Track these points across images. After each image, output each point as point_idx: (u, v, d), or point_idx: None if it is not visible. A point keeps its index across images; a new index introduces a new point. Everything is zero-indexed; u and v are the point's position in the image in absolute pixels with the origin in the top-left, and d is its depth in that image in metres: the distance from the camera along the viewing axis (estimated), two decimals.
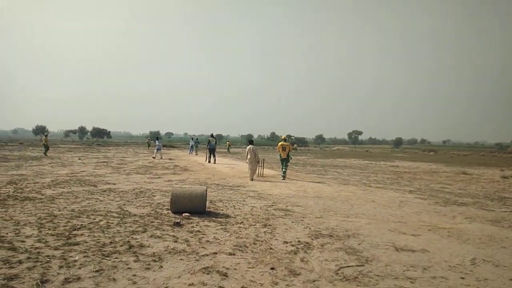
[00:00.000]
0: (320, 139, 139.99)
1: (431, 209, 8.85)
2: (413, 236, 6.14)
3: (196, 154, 33.26)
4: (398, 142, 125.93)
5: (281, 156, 15.06)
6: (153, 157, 25.65)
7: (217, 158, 23.57)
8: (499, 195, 11.70)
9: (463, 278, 4.31)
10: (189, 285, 3.84)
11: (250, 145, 14.68)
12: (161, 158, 25.64)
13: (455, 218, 7.80)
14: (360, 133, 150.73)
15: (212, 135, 23.31)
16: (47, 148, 26.37)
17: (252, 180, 13.91)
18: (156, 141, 26.47)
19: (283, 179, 14.35)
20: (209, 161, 22.11)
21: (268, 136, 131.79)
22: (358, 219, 7.34)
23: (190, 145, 35.58)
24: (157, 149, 26.11)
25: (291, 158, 15.40)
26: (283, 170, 14.75)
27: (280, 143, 15.26)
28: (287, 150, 14.93)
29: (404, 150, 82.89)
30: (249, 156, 14.27)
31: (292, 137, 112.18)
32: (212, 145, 22.09)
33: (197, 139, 37.29)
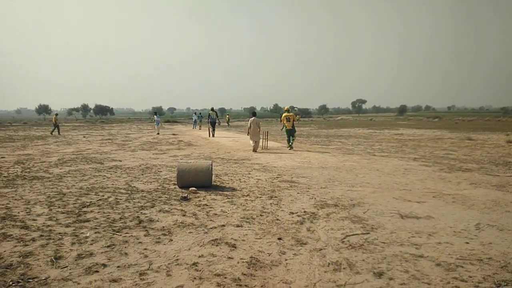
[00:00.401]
0: (323, 110, 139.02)
1: (435, 176, 8.89)
2: (418, 203, 6.20)
3: (200, 129, 33.28)
4: (402, 110, 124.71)
5: (286, 127, 15.32)
6: (157, 133, 25.98)
7: (216, 132, 23.72)
8: (504, 160, 11.69)
9: (467, 243, 4.37)
10: (199, 256, 3.94)
11: (253, 117, 14.80)
12: (159, 133, 26.33)
13: (459, 184, 7.84)
14: (364, 102, 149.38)
15: (212, 109, 23.50)
16: (56, 127, 26.46)
17: (255, 152, 14.17)
18: (155, 116, 27.59)
19: (290, 149, 14.74)
20: (213, 135, 22.43)
21: (271, 108, 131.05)
22: (363, 188, 7.40)
23: (193, 120, 35.58)
24: (156, 124, 27.09)
25: (295, 130, 15.62)
26: (292, 139, 15.14)
27: (284, 114, 15.50)
28: (292, 120, 15.20)
29: (409, 117, 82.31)
30: (251, 129, 14.45)
31: (295, 109, 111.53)
32: (212, 118, 22.48)
33: (200, 113, 37.19)
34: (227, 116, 50.53)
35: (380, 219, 5.29)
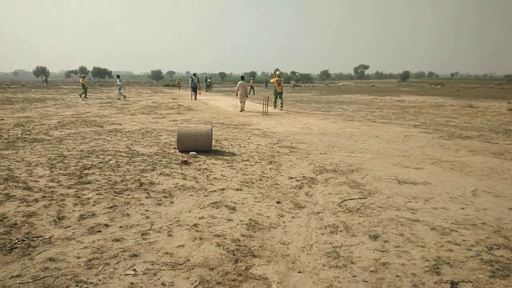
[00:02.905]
0: (325, 75, 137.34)
1: (435, 142, 8.91)
2: (416, 170, 6.26)
3: (200, 93, 33.00)
4: (405, 76, 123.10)
5: (276, 90, 17.30)
6: (118, 99, 23.96)
7: (217, 97, 24.23)
8: (504, 128, 11.68)
9: (463, 208, 4.45)
10: (199, 218, 4.03)
11: (241, 81, 16.57)
12: (121, 98, 24.30)
13: (458, 151, 7.87)
14: (367, 67, 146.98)
15: (194, 74, 26.05)
16: (85, 89, 24.74)
17: (242, 111, 16.30)
18: (117, 79, 25.35)
19: (281, 109, 16.92)
20: (195, 98, 24.35)
21: (272, 73, 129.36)
22: (362, 154, 7.44)
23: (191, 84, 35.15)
24: (118, 88, 24.93)
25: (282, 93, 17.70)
26: (281, 101, 17.31)
27: (275, 79, 17.37)
28: (281, 84, 17.28)
29: (411, 84, 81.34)
30: (239, 91, 16.30)
31: (297, 74, 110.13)
32: (194, 83, 24.91)
33: (195, 74, 35.90)
34: (210, 80, 42.72)
35: (378, 185, 5.36)
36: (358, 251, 3.32)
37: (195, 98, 24.38)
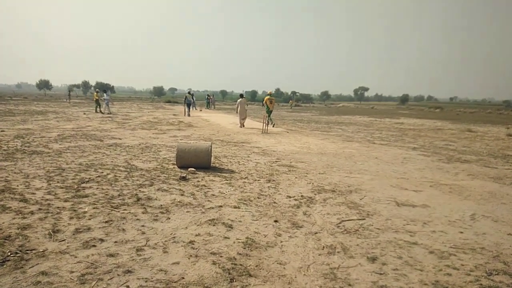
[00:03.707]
0: (325, 96, 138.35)
1: (434, 165, 8.91)
2: (415, 192, 6.24)
3: (201, 110, 33.19)
4: (404, 99, 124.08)
5: (268, 108, 17.74)
6: (102, 112, 23.58)
7: (217, 115, 24.31)
8: (503, 153, 11.71)
9: (461, 232, 4.42)
10: (196, 235, 3.98)
11: (240, 99, 17.65)
12: (109, 113, 23.63)
13: (457, 175, 7.87)
14: (366, 89, 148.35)
15: (189, 92, 27.33)
16: (98, 104, 25.03)
17: (242, 127, 17.05)
18: (105, 94, 24.98)
19: (273, 126, 17.50)
20: (188, 115, 24.74)
21: (273, 92, 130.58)
22: (361, 175, 7.43)
23: (192, 101, 35.36)
24: (106, 103, 24.56)
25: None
26: (271, 119, 17.72)
27: (267, 97, 17.99)
28: (273, 103, 17.98)
29: (410, 107, 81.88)
30: (239, 108, 17.27)
31: (297, 94, 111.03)
32: (188, 100, 25.72)
33: (189, 92, 36.04)
34: (210, 97, 42.98)
35: (376, 206, 5.33)
36: (356, 273, 3.27)
37: (189, 115, 24.74)
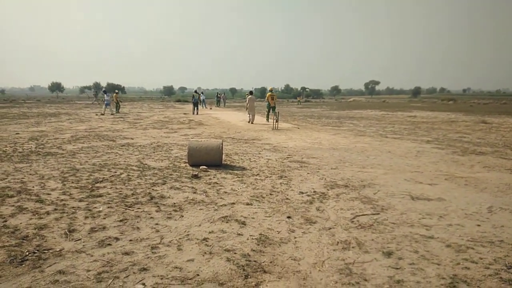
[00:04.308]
0: (335, 91, 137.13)
1: (448, 158, 8.77)
2: (430, 185, 6.15)
3: (211, 108, 33.31)
4: (416, 92, 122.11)
5: (269, 104, 18.34)
6: (102, 114, 23.27)
7: (229, 112, 24.29)
8: None
9: (479, 225, 4.33)
10: (209, 232, 3.99)
11: (250, 95, 18.51)
12: (105, 113, 23.36)
13: (473, 167, 7.73)
14: (377, 83, 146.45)
15: (196, 91, 28.00)
16: (118, 105, 26.01)
17: (252, 123, 17.59)
18: (105, 95, 24.73)
19: (267, 122, 17.97)
20: (196, 113, 25.05)
21: (283, 88, 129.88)
22: (374, 170, 7.35)
23: (202, 99, 35.57)
24: (106, 104, 24.23)
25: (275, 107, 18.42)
26: (273, 113, 17.30)
27: (268, 94, 18.57)
28: (275, 99, 18.48)
29: (423, 99, 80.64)
30: (248, 104, 18.00)
31: (307, 90, 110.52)
32: (195, 99, 26.17)
33: (202, 92, 37.22)
34: (220, 95, 42.39)
35: (391, 200, 5.27)
36: (372, 268, 3.24)
37: (197, 113, 25.13)
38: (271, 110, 18.14)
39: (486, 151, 9.90)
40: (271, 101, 18.25)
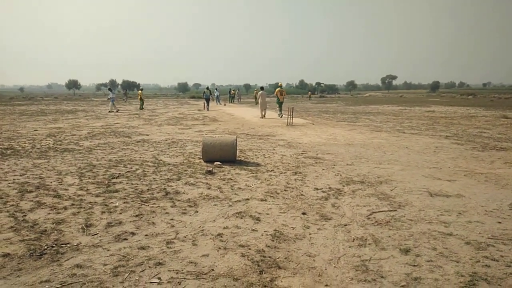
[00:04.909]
0: (351, 86, 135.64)
1: (468, 154, 8.57)
2: (448, 182, 6.01)
3: (225, 105, 33.39)
4: (434, 86, 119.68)
5: (279, 100, 19.11)
6: (109, 111, 23.12)
7: (242, 108, 24.29)
8: None
9: (500, 222, 4.21)
10: (224, 228, 3.99)
11: (261, 91, 18.97)
12: (117, 111, 23.26)
13: (493, 163, 7.52)
14: (394, 77, 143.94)
15: (207, 88, 28.51)
16: (142, 102, 27.17)
17: (263, 117, 18.30)
18: (110, 92, 24.40)
19: (280, 117, 18.37)
20: (207, 109, 25.83)
21: (297, 84, 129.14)
22: (391, 166, 7.24)
23: (216, 96, 35.72)
24: (112, 101, 23.73)
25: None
26: (280, 109, 19.18)
27: (277, 89, 19.36)
28: (284, 94, 19.23)
29: (441, 94, 78.94)
30: (260, 100, 18.59)
31: (322, 85, 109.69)
32: (207, 95, 26.81)
33: (216, 89, 37.87)
34: (233, 92, 41.57)
35: (408, 197, 5.17)
36: (388, 265, 3.18)
37: (208, 109, 25.82)
38: (280, 105, 19.13)
39: (507, 147, 9.63)
40: (280, 96, 19.02)
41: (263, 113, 18.54)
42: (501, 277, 2.97)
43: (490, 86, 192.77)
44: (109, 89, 25.33)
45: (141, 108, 26.36)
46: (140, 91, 28.44)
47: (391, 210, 4.61)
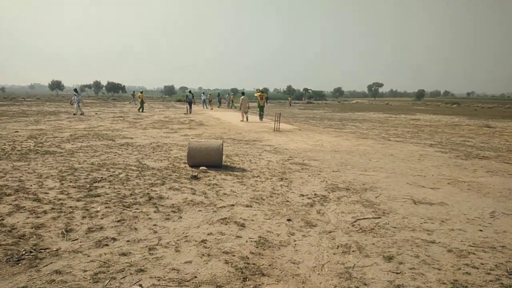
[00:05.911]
0: (338, 92, 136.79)
1: (451, 162, 8.71)
2: (432, 190, 6.09)
3: (211, 109, 33.31)
4: (420, 95, 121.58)
5: (259, 104, 20.00)
6: (74, 114, 22.12)
7: (227, 113, 24.59)
8: None
9: (481, 230, 4.28)
10: (208, 234, 3.94)
11: (242, 96, 20.11)
12: (82, 113, 22.33)
13: (476, 172, 7.66)
14: (381, 85, 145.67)
15: (190, 91, 28.82)
16: (142, 103, 27.53)
17: (244, 121, 19.10)
18: (75, 94, 23.34)
19: (261, 120, 19.50)
20: (190, 112, 26.53)
21: (284, 89, 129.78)
22: (376, 173, 7.30)
23: (202, 100, 35.66)
24: (77, 103, 22.76)
25: (267, 103, 21.01)
26: (261, 113, 20.04)
27: (257, 93, 20.24)
28: (264, 98, 20.03)
29: (426, 102, 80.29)
30: (242, 105, 19.73)
31: (309, 91, 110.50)
32: (189, 98, 27.41)
33: (203, 92, 38.56)
34: (231, 96, 41.39)
35: (392, 204, 5.21)
36: (372, 273, 3.18)
37: (190, 112, 26.55)
38: (261, 110, 19.99)
39: (489, 156, 9.84)
40: (260, 100, 19.95)
41: (245, 117, 19.62)
42: (481, 285, 3.01)
43: (474, 95, 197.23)
44: (75, 91, 23.99)
45: (142, 111, 26.77)
46: (140, 93, 29.06)
47: (376, 218, 4.64)
